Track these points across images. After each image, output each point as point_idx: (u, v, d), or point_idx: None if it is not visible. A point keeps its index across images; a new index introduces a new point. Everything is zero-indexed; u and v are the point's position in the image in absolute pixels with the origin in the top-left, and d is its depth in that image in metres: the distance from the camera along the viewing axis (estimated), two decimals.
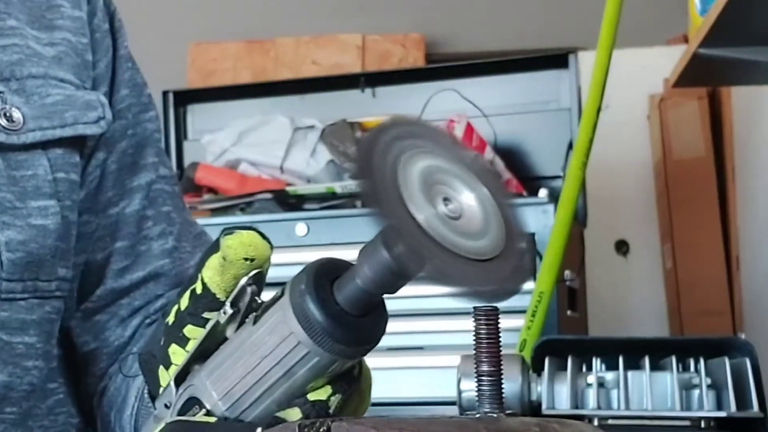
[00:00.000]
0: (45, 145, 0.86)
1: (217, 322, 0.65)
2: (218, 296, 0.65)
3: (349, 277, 0.62)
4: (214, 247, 0.66)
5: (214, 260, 0.65)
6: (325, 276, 0.62)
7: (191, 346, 0.66)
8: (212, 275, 0.65)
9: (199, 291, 0.66)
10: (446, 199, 0.58)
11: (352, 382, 0.64)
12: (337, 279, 0.62)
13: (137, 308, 0.93)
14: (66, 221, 0.86)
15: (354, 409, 0.65)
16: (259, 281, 0.66)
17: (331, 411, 0.62)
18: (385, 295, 0.63)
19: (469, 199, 0.59)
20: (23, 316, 0.85)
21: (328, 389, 0.63)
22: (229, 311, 0.65)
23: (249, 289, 0.65)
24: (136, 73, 0.97)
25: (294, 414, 0.62)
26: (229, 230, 0.65)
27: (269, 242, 0.66)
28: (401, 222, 0.57)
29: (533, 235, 2.19)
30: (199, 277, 0.66)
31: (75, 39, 0.91)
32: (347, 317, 0.61)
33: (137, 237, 0.93)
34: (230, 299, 0.65)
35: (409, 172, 0.59)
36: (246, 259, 0.64)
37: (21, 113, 0.85)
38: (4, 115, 0.84)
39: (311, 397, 0.62)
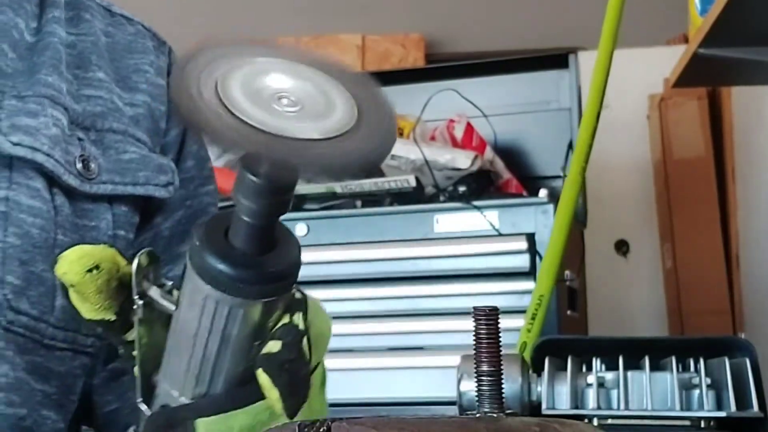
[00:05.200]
0: (112, 199, 0.86)
1: (140, 323, 0.64)
2: (109, 318, 0.64)
3: (235, 219, 0.60)
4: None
5: (72, 296, 0.64)
6: (216, 229, 0.61)
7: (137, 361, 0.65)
8: (81, 308, 0.64)
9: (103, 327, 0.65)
10: (280, 97, 0.57)
11: (297, 329, 0.63)
12: (228, 228, 0.61)
13: None
14: None
15: (311, 357, 0.64)
16: (151, 263, 0.64)
17: (286, 359, 0.61)
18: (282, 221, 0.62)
19: (303, 87, 0.58)
20: (52, 365, 0.83)
21: (278, 343, 0.61)
22: (140, 303, 0.64)
23: (143, 281, 0.64)
24: (202, 147, 0.98)
25: (260, 375, 0.61)
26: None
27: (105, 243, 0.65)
28: (250, 142, 0.55)
29: (533, 236, 2.19)
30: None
31: (154, 105, 0.92)
32: (250, 257, 0.60)
33: None
34: (136, 297, 0.64)
35: (231, 91, 0.56)
36: (89, 271, 0.63)
37: (97, 164, 0.85)
38: (83, 161, 0.84)
39: (264, 352, 0.61)
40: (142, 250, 0.64)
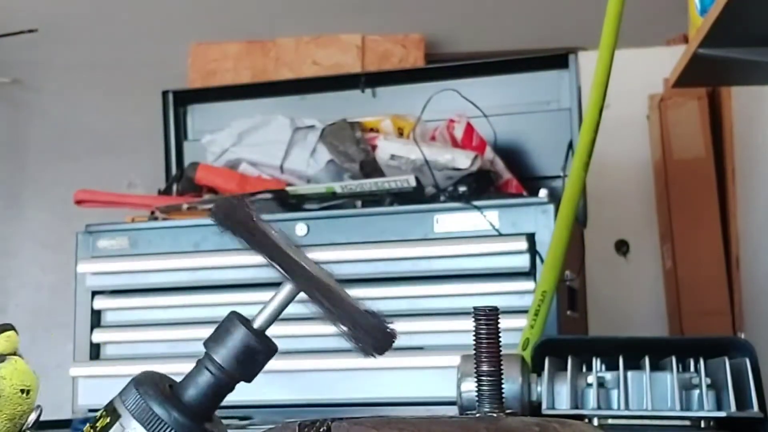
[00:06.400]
0: None
1: None
2: None
3: (197, 372, 0.61)
4: None
5: None
6: (159, 382, 0.61)
7: None
8: None
9: None
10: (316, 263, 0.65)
11: None
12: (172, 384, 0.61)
13: None
14: None
15: None
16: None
17: None
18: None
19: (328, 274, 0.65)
20: None
21: None
22: None
23: None
24: None
25: None
26: None
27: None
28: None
29: (533, 236, 2.19)
30: None
31: None
32: (199, 412, 0.60)
33: None
34: None
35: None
36: (23, 392, 0.57)
37: None
38: None
39: None
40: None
